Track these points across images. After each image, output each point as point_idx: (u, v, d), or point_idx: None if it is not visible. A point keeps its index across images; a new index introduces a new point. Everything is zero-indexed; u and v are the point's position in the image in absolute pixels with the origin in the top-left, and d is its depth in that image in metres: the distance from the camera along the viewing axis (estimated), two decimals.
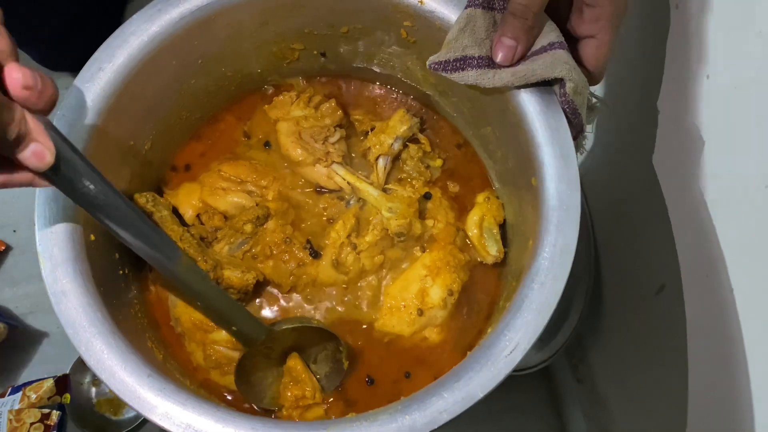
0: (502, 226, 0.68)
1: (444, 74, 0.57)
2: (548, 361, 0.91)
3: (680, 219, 0.67)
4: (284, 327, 0.61)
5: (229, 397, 0.63)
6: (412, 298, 0.64)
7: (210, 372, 0.63)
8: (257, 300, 0.66)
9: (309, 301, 0.66)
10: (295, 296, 0.66)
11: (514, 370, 0.88)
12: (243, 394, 0.61)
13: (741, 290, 0.58)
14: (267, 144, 0.70)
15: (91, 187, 0.48)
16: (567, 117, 0.56)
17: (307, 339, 0.63)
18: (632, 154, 0.72)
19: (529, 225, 0.57)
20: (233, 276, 0.61)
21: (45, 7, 0.90)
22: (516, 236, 0.65)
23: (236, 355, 0.62)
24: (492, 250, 0.66)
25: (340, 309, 0.65)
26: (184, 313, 0.63)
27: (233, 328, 0.59)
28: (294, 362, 0.62)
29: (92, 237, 0.55)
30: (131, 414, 0.95)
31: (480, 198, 0.68)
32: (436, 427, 0.48)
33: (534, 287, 0.52)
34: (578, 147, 0.58)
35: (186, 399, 0.49)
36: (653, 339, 0.77)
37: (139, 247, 0.53)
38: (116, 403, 0.96)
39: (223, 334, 0.62)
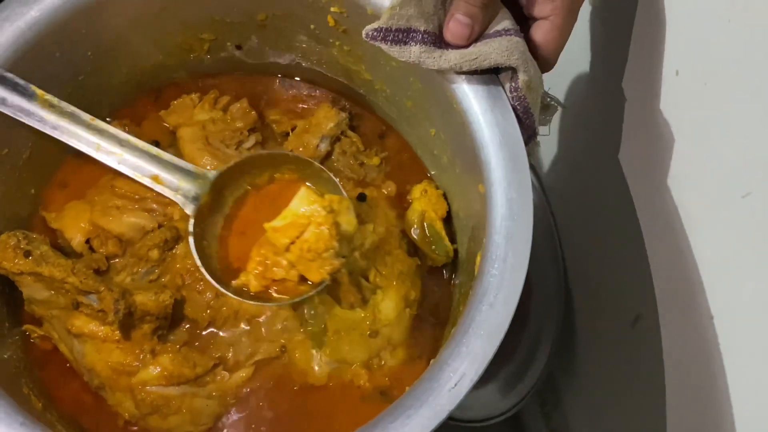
0: (449, 219, 0.70)
1: (383, 45, 0.57)
2: (516, 407, 0.92)
3: (654, 235, 0.70)
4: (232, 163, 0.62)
5: None
6: (361, 318, 0.65)
7: (147, 420, 0.62)
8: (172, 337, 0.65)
9: (233, 339, 0.65)
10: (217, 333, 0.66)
11: (479, 420, 0.91)
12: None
13: (721, 317, 0.60)
14: (155, 142, 0.70)
15: None
16: (518, 116, 0.58)
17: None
18: (603, 157, 0.75)
19: (477, 232, 0.59)
20: (147, 300, 0.61)
21: None
22: (464, 231, 0.67)
23: (173, 391, 0.61)
24: (440, 250, 0.68)
25: (274, 344, 0.66)
26: (99, 360, 0.62)
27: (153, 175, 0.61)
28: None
29: None
30: None
31: (416, 192, 0.70)
32: None
33: (482, 309, 0.53)
34: (530, 153, 0.60)
35: None
36: (630, 377, 0.79)
37: None
38: None
39: (150, 371, 0.61)
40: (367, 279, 0.65)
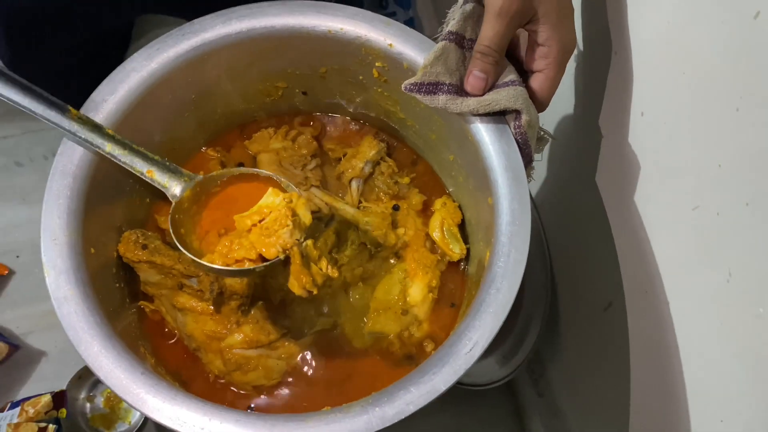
0: (463, 225, 0.71)
1: (417, 95, 0.59)
2: (511, 375, 0.92)
3: (623, 239, 0.70)
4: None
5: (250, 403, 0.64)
6: (395, 300, 0.67)
7: (232, 375, 0.63)
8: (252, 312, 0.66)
9: (297, 314, 0.67)
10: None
11: (482, 384, 0.92)
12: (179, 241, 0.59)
13: (675, 303, 0.61)
14: (240, 164, 0.73)
15: None
16: (519, 147, 0.59)
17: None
18: (583, 179, 0.76)
19: (486, 234, 0.60)
20: (234, 282, 0.63)
21: (52, 52, 0.93)
22: (475, 234, 0.68)
23: (252, 353, 0.63)
24: (456, 249, 0.69)
25: (330, 319, 0.67)
26: (196, 329, 0.63)
27: (148, 170, 0.59)
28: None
29: (92, 250, 0.57)
30: (123, 428, 0.95)
31: (438, 204, 0.71)
32: (403, 417, 0.49)
33: (491, 292, 0.54)
34: (528, 175, 0.61)
35: (176, 395, 0.50)
36: (602, 352, 0.79)
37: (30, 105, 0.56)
38: (109, 418, 0.95)
39: (236, 337, 0.63)
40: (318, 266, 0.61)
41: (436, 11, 1.30)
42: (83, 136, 0.57)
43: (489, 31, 0.56)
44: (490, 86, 0.59)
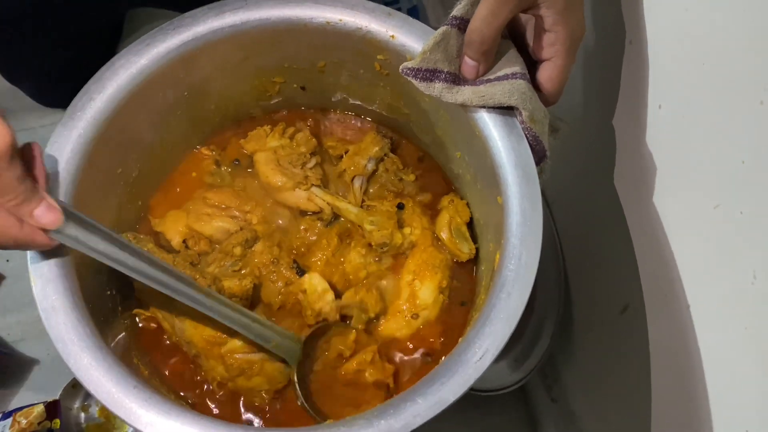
0: (472, 224, 0.70)
1: (414, 81, 0.59)
2: (523, 380, 0.91)
3: (641, 239, 0.69)
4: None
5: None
6: (404, 303, 0.66)
7: (236, 381, 0.63)
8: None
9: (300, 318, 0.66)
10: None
11: (492, 390, 0.91)
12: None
13: (696, 306, 0.59)
14: (236, 161, 0.72)
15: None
16: (529, 143, 0.58)
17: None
18: (597, 174, 0.75)
19: (496, 235, 0.59)
20: (233, 285, 0.62)
21: (42, 49, 0.92)
22: (485, 234, 0.67)
23: (255, 357, 0.62)
24: (464, 248, 0.68)
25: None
26: (195, 334, 0.63)
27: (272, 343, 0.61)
28: None
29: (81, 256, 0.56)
30: None
31: (444, 201, 0.71)
32: (410, 430, 0.49)
33: (501, 297, 0.53)
34: (542, 171, 0.60)
35: (170, 409, 0.49)
36: (620, 357, 0.78)
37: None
38: (105, 428, 0.95)
39: (236, 342, 0.62)
40: None
41: None
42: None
43: (477, 20, 0.55)
44: (484, 72, 0.58)
